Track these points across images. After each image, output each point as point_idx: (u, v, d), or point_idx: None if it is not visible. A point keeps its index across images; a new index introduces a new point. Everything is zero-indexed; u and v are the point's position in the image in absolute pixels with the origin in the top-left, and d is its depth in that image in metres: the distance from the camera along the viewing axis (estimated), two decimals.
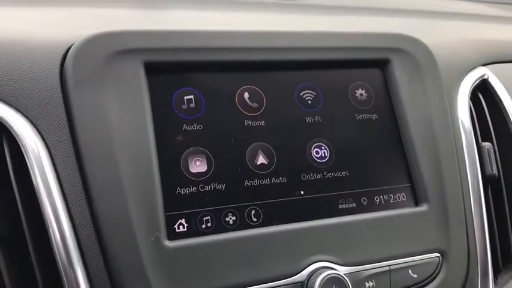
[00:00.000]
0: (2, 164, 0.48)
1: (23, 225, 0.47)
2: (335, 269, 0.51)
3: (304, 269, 0.50)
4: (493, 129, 0.68)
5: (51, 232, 0.46)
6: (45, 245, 0.46)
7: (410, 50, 0.63)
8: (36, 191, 0.47)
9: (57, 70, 0.50)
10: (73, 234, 0.46)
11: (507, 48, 0.81)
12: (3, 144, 0.48)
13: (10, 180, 0.47)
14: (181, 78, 0.54)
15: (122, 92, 0.50)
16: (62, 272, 0.46)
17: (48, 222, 0.46)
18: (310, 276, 0.50)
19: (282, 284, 0.49)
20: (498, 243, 0.64)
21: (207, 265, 0.48)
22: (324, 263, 0.51)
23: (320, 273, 0.49)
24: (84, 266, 0.46)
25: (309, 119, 0.57)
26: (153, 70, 0.52)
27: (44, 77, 0.50)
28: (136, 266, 0.46)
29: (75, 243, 0.46)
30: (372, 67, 0.62)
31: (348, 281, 0.50)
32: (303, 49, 0.58)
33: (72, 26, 0.58)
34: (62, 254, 0.46)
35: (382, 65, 0.62)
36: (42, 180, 0.47)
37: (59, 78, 0.50)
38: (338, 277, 0.49)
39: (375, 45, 0.62)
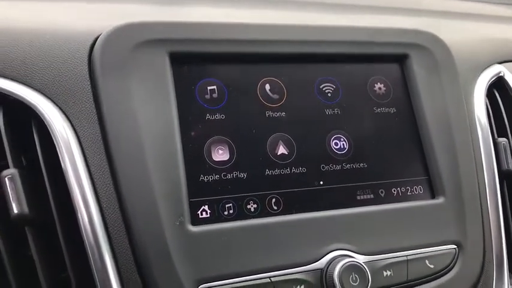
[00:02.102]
0: (32, 150, 0.50)
1: (52, 209, 0.48)
2: (354, 257, 0.52)
3: (323, 257, 0.51)
4: (509, 126, 0.69)
5: (79, 215, 0.47)
6: (74, 229, 0.48)
7: (429, 45, 0.64)
8: (65, 175, 0.48)
9: (85, 59, 0.52)
10: (100, 217, 0.47)
11: None
12: (33, 130, 0.50)
13: (40, 165, 0.49)
14: (205, 68, 0.55)
15: (147, 81, 0.52)
16: (90, 254, 0.47)
17: (77, 205, 0.48)
18: (330, 264, 0.51)
19: (302, 270, 0.50)
20: None
21: (228, 250, 0.49)
22: (342, 251, 0.52)
23: (339, 261, 0.50)
24: (111, 248, 0.47)
25: (328, 111, 0.59)
26: (178, 60, 0.53)
27: (73, 65, 0.51)
28: (161, 249, 0.47)
29: (102, 226, 0.47)
30: (390, 62, 0.63)
31: (367, 269, 0.50)
32: (324, 42, 0.59)
33: (99, 18, 0.60)
34: (89, 236, 0.47)
35: (400, 59, 0.63)
36: (71, 165, 0.48)
37: (87, 67, 0.51)
38: (357, 265, 0.50)
39: (394, 40, 0.63)
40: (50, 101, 0.50)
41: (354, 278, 0.50)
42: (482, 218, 0.60)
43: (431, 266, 0.55)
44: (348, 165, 0.57)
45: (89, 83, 0.51)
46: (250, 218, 0.51)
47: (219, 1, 0.79)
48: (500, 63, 0.75)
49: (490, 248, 0.60)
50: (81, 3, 0.65)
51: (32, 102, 0.49)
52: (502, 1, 1.12)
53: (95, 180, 0.48)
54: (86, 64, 0.52)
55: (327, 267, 0.50)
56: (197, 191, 0.51)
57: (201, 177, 0.51)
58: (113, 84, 0.50)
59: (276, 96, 0.57)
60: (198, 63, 0.55)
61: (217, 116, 0.54)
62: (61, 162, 0.48)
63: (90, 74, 0.51)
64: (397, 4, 0.92)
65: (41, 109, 0.49)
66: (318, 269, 0.51)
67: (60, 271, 0.48)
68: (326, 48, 0.60)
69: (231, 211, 0.51)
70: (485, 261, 0.59)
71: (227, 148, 0.53)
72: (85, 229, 0.47)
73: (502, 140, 0.66)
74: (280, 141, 0.56)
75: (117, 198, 0.48)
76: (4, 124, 0.49)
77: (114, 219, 0.48)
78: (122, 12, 0.65)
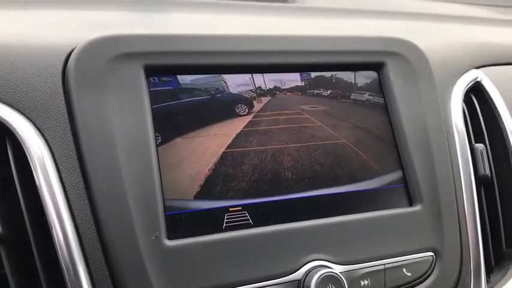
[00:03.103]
0: (5, 166, 0.49)
1: (26, 227, 0.48)
2: (331, 268, 0.52)
3: (300, 268, 0.52)
4: (486, 131, 0.70)
5: (53, 232, 0.47)
6: (49, 246, 0.47)
7: (405, 53, 0.64)
8: (39, 192, 0.48)
9: (59, 73, 0.51)
10: (75, 234, 0.47)
11: (500, 50, 0.82)
12: (6, 147, 0.50)
13: (14, 181, 0.48)
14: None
15: (122, 95, 0.51)
16: (65, 271, 0.47)
17: (51, 222, 0.47)
18: (307, 275, 0.51)
19: (279, 282, 0.51)
20: (491, 242, 0.65)
21: (205, 264, 0.49)
22: (320, 261, 0.52)
23: (316, 272, 0.50)
24: (86, 265, 0.47)
25: (308, 122, 0.59)
26: (153, 73, 0.53)
27: (46, 80, 0.51)
28: (137, 264, 0.47)
29: (77, 243, 0.47)
30: (367, 70, 0.63)
31: (344, 280, 0.51)
32: (300, 53, 0.60)
33: (74, 30, 0.59)
34: (64, 253, 0.47)
35: (377, 67, 0.64)
36: (45, 182, 0.48)
37: (61, 81, 0.51)
38: (334, 275, 0.50)
39: (370, 48, 0.63)
40: (23, 116, 0.49)
41: None
42: (460, 224, 0.61)
43: (409, 274, 0.56)
44: (326, 175, 0.57)
45: (63, 97, 0.51)
46: (227, 231, 0.51)
47: (198, 7, 0.79)
48: (477, 68, 0.75)
49: (467, 254, 0.60)
50: (56, 14, 0.64)
51: (5, 118, 0.49)
52: (481, 2, 1.13)
53: (70, 196, 0.48)
54: (60, 79, 0.51)
55: (304, 279, 0.51)
56: (173, 206, 0.51)
57: (177, 190, 0.51)
58: (87, 98, 0.50)
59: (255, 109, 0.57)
60: (173, 76, 0.55)
61: None
62: (35, 179, 0.48)
63: (65, 89, 0.51)
64: (374, 7, 0.92)
65: (14, 125, 0.49)
66: (295, 281, 0.51)
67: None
68: (302, 58, 0.60)
69: (207, 224, 0.51)
70: (463, 268, 0.60)
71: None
72: (60, 246, 0.47)
73: (479, 146, 0.67)
74: (259, 153, 0.56)
75: (91, 214, 0.48)
76: None
77: (89, 236, 0.47)
78: (98, 22, 0.65)
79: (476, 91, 0.73)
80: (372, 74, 0.64)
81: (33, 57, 0.52)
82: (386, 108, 0.63)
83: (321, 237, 0.54)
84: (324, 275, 0.50)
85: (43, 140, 0.49)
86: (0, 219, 0.47)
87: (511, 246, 0.67)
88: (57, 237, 0.47)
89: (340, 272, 0.51)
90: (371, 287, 0.53)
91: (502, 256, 0.67)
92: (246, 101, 0.57)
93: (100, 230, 0.48)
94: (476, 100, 0.72)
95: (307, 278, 0.50)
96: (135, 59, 0.53)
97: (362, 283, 0.53)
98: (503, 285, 0.64)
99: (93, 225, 0.48)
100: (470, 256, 0.60)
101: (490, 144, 0.69)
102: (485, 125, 0.70)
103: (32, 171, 0.48)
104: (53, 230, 0.47)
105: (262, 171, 0.55)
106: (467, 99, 0.71)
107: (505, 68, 0.80)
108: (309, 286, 0.50)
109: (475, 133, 0.69)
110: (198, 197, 0.52)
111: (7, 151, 0.49)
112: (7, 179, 0.49)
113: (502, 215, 0.67)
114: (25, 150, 0.49)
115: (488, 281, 0.63)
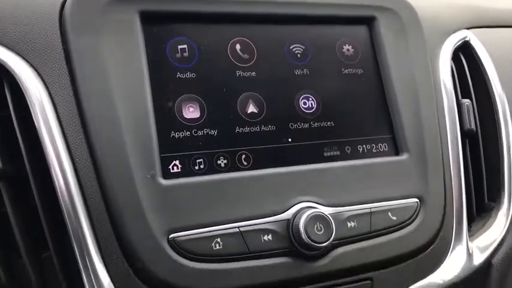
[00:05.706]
0: (3, 107, 0.51)
1: (25, 164, 0.49)
2: (319, 209, 0.54)
3: (290, 208, 0.54)
4: (473, 87, 0.71)
5: (53, 172, 0.49)
6: (48, 187, 0.49)
7: (396, 8, 0.66)
8: (38, 132, 0.49)
9: (56, 17, 0.52)
10: (73, 171, 0.49)
11: (490, 14, 0.84)
12: (3, 87, 0.51)
13: (12, 122, 0.50)
14: (175, 27, 0.56)
15: (118, 39, 0.52)
16: (64, 210, 0.48)
17: (51, 162, 0.49)
18: (296, 215, 0.53)
19: (270, 221, 0.52)
20: (473, 193, 0.68)
21: (198, 202, 0.51)
22: (309, 203, 0.54)
23: (305, 212, 0.52)
24: (84, 202, 0.49)
25: (297, 72, 0.60)
26: (148, 19, 0.54)
27: (43, 23, 0.52)
28: (133, 201, 0.49)
29: (76, 180, 0.49)
30: (358, 24, 0.65)
31: (331, 219, 0.53)
32: (293, 4, 0.61)
33: None
34: (63, 190, 0.48)
35: (368, 22, 0.65)
36: (44, 123, 0.49)
37: (58, 25, 0.52)
38: (322, 215, 0.53)
39: (361, 2, 0.64)
40: (21, 58, 0.51)
41: (319, 228, 0.52)
42: (444, 174, 0.63)
43: (394, 218, 0.58)
44: (316, 124, 0.59)
45: (60, 40, 0.52)
46: (220, 173, 0.53)
47: None
48: (467, 28, 0.77)
49: (450, 202, 0.62)
50: None
51: (3, 59, 0.50)
52: None
53: (68, 136, 0.49)
54: (57, 22, 0.52)
55: (294, 218, 0.53)
56: (168, 147, 0.52)
57: (172, 133, 0.53)
58: (83, 42, 0.51)
59: (246, 56, 0.58)
60: (168, 22, 0.56)
61: (188, 75, 0.55)
62: (34, 120, 0.49)
63: (61, 32, 0.52)
64: None
65: (12, 66, 0.50)
66: (284, 220, 0.53)
67: (36, 230, 0.50)
68: (295, 9, 0.61)
69: (202, 166, 0.53)
70: (446, 215, 0.62)
71: (198, 106, 0.55)
72: (59, 186, 0.48)
73: (466, 101, 0.69)
74: (251, 100, 0.57)
75: (89, 154, 0.49)
76: None
77: (86, 173, 0.49)
78: None
79: (464, 50, 0.74)
80: (363, 28, 0.65)
81: (30, 1, 0.53)
82: (376, 62, 0.64)
83: (311, 181, 0.56)
84: (312, 214, 0.52)
85: (41, 81, 0.50)
86: (0, 156, 0.48)
87: (493, 199, 0.70)
88: (57, 177, 0.49)
89: (328, 213, 0.53)
90: (357, 228, 0.55)
91: (484, 208, 0.69)
92: (237, 51, 0.58)
93: (97, 167, 0.49)
94: (465, 58, 0.74)
95: (296, 218, 0.52)
96: (130, 5, 0.53)
97: (349, 224, 0.55)
98: (483, 233, 0.66)
99: (91, 165, 0.49)
100: (453, 204, 0.63)
101: (476, 101, 0.71)
102: (472, 82, 0.72)
103: (30, 113, 0.50)
104: (52, 170, 0.49)
105: (254, 118, 0.56)
106: (455, 58, 0.73)
107: (494, 30, 0.82)
108: (298, 224, 0.52)
109: (462, 90, 0.71)
110: (193, 140, 0.53)
111: (5, 92, 0.50)
112: (5, 120, 0.51)
113: (485, 169, 0.69)
114: (24, 92, 0.50)
115: (469, 229, 0.65)
